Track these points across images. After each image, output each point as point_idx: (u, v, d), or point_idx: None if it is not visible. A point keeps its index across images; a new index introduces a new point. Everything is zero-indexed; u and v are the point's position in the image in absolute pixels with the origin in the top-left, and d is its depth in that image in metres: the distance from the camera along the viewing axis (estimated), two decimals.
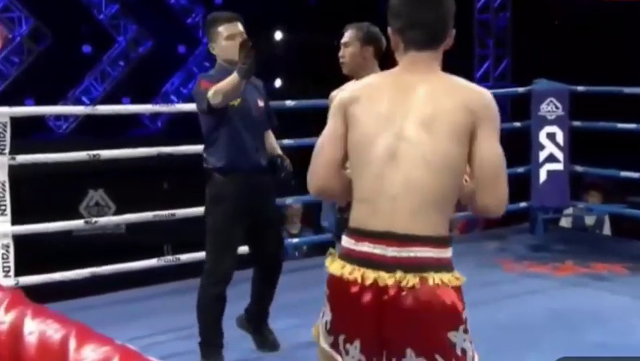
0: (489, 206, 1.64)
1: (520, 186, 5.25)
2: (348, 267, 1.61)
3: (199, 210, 4.23)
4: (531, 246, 5.05)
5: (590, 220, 5.83)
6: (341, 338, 1.64)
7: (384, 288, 1.56)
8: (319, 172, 1.70)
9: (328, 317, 1.66)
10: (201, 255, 4.07)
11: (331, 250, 1.73)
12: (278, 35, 10.38)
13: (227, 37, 2.94)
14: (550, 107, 5.02)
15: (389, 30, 1.71)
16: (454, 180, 1.62)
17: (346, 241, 1.65)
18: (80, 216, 7.37)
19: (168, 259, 4.05)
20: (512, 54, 9.08)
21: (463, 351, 1.59)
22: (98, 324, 1.52)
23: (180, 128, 9.10)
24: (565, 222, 5.85)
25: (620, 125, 4.98)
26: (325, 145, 1.69)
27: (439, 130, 1.60)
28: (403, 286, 1.56)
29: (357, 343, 1.61)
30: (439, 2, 1.65)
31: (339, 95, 1.74)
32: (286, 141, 4.16)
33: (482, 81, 9.30)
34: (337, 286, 1.63)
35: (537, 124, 5.04)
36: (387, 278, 1.56)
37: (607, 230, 5.83)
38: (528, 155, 5.09)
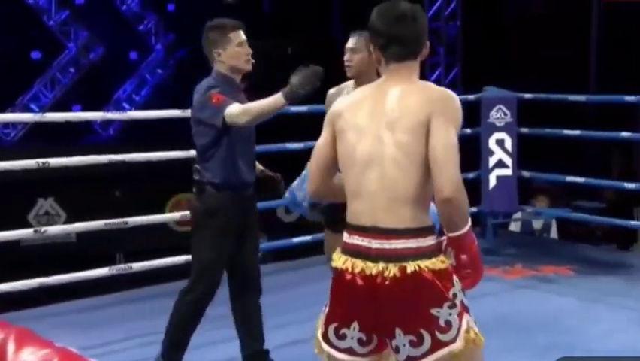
0: (444, 191, 1.73)
1: (470, 191, 5.34)
2: (343, 258, 1.85)
3: (152, 218, 4.20)
4: (482, 250, 5.03)
5: (537, 224, 5.97)
6: (332, 327, 1.85)
7: (372, 276, 1.79)
8: (312, 177, 1.95)
9: (326, 308, 1.89)
10: (154, 263, 4.05)
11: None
12: None
13: (238, 44, 2.89)
14: (499, 114, 5.11)
15: (370, 47, 1.94)
16: (423, 175, 1.79)
17: (344, 235, 1.88)
18: (28, 226, 7.21)
19: (120, 268, 4.00)
20: (462, 62, 9.25)
21: (448, 323, 1.79)
22: (48, 334, 1.49)
23: (132, 135, 8.99)
24: (514, 226, 5.99)
25: (566, 132, 5.10)
26: (316, 153, 1.95)
27: (402, 129, 1.80)
28: (386, 275, 1.78)
29: (354, 324, 1.83)
30: (413, 20, 1.88)
31: (331, 108, 1.96)
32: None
33: None
34: (335, 276, 1.86)
35: (486, 131, 5.13)
36: (372, 268, 1.79)
37: (554, 234, 5.98)
38: (478, 161, 5.18)
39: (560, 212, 5.76)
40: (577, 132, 5.06)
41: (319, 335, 1.89)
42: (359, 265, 1.79)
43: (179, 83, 10.07)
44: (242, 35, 2.93)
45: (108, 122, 10.27)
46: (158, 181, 7.59)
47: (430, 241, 1.81)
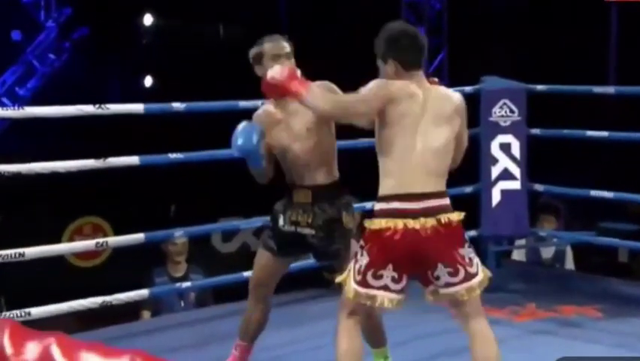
0: None
1: (467, 209, 5.33)
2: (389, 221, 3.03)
3: (46, 249, 4.03)
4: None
5: (547, 252, 5.99)
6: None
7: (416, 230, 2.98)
8: None
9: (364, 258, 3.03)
10: (49, 309, 3.90)
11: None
12: (148, 20, 10.24)
13: None
14: (503, 111, 5.14)
15: (389, 61, 3.08)
16: None
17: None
18: None
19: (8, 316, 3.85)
20: (450, 44, 9.30)
21: (470, 259, 3.04)
22: None
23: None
24: (517, 255, 5.99)
25: (590, 133, 5.10)
26: None
27: (444, 125, 3.07)
28: (427, 226, 2.97)
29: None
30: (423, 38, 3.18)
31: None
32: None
33: None
34: (374, 235, 3.03)
35: (488, 132, 5.15)
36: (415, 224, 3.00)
37: (570, 264, 6.01)
38: (477, 171, 5.21)
39: (579, 236, 5.77)
40: (604, 134, 5.05)
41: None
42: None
43: (79, 72, 9.93)
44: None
45: None
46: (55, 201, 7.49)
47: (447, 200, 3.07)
